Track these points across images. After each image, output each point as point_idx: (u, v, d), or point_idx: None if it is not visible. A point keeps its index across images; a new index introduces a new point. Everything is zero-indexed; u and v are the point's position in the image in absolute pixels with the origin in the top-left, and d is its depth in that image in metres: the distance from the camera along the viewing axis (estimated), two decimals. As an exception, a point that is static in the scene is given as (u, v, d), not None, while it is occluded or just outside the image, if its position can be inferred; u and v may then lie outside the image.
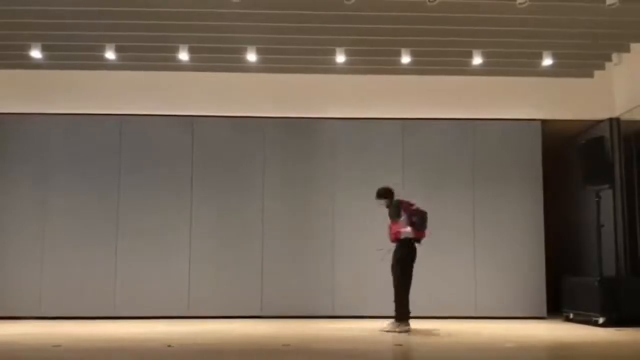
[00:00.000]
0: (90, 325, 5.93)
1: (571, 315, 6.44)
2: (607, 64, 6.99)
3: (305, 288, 6.85)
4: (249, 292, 6.84)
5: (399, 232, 5.49)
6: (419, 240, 5.52)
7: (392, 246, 5.50)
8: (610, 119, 7.03)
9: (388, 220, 5.59)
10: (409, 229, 5.44)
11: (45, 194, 6.91)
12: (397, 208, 5.54)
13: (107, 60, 6.67)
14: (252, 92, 7.11)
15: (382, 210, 5.68)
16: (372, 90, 7.14)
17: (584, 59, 6.89)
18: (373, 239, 6.89)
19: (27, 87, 7.04)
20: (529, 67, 6.94)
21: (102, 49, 6.49)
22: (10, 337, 4.94)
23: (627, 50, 6.64)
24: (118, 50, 6.51)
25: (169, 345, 4.42)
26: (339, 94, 7.13)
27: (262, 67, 6.92)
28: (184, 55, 6.53)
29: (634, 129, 6.75)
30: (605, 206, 6.63)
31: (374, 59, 6.82)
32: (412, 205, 5.52)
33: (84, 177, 6.94)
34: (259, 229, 6.94)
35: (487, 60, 6.66)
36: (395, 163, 7.05)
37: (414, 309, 6.86)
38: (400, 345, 4.61)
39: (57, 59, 6.81)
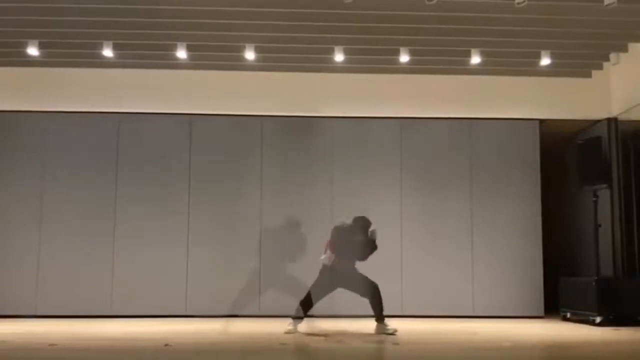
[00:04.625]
0: (87, 324, 5.91)
1: (568, 315, 6.45)
2: (605, 64, 7.00)
3: (304, 287, 6.83)
4: (247, 291, 6.81)
5: None
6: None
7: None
8: (608, 119, 7.05)
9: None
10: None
11: (42, 193, 6.89)
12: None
13: (104, 58, 6.65)
14: (250, 90, 7.09)
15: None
16: (370, 89, 7.13)
17: (582, 58, 6.90)
18: (371, 238, 6.88)
19: (24, 85, 7.01)
20: (527, 67, 6.95)
21: (99, 47, 6.47)
22: (6, 336, 4.92)
23: (625, 50, 6.64)
24: (116, 48, 6.49)
25: (167, 345, 4.41)
26: (337, 92, 7.12)
27: (260, 66, 6.91)
28: (182, 54, 6.52)
29: (632, 129, 6.76)
30: (602, 206, 6.65)
31: (372, 57, 6.81)
32: None
33: (81, 175, 6.92)
34: (257, 227, 6.93)
35: (485, 60, 6.67)
36: (393, 162, 7.04)
37: (412, 308, 6.88)
38: (398, 344, 4.61)
39: (55, 57, 6.79)
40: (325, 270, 5.34)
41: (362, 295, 5.30)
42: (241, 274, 6.87)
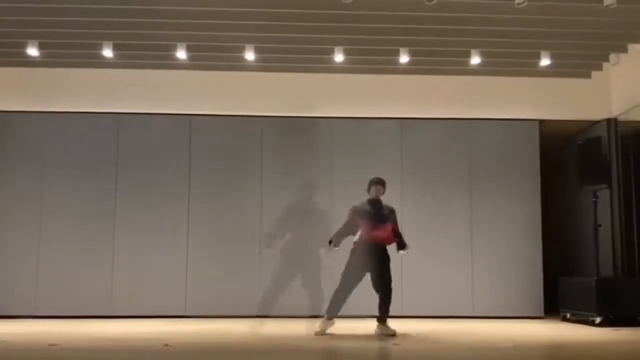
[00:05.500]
0: (87, 324, 5.91)
1: (568, 315, 6.45)
2: (605, 65, 7.00)
3: (304, 287, 6.85)
4: (247, 292, 6.82)
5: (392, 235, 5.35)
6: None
7: (368, 247, 5.21)
8: (608, 119, 7.05)
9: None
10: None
11: (42, 193, 6.88)
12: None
13: (104, 58, 6.65)
14: (249, 91, 7.10)
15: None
16: (370, 89, 7.13)
17: (581, 59, 6.90)
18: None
19: (24, 85, 7.00)
20: (527, 67, 6.95)
21: (99, 47, 6.47)
22: (6, 336, 4.92)
23: (625, 50, 6.64)
24: (116, 48, 6.49)
25: (166, 345, 4.41)
26: (337, 93, 7.12)
27: (260, 66, 6.91)
28: (181, 54, 6.52)
29: (632, 130, 6.77)
30: (602, 206, 6.65)
31: (372, 58, 6.81)
32: None
33: (81, 176, 6.92)
34: (257, 227, 6.93)
35: (485, 60, 6.67)
36: (393, 163, 7.04)
37: (412, 309, 6.87)
38: (398, 344, 4.61)
39: (54, 57, 6.79)
40: (355, 251, 5.25)
41: (377, 287, 5.20)
42: (241, 274, 6.88)
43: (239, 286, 6.84)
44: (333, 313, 5.19)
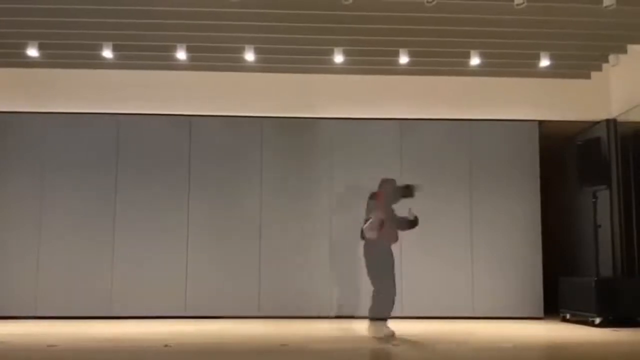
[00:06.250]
0: (87, 325, 5.91)
1: (568, 316, 6.45)
2: (604, 65, 7.01)
3: (304, 288, 6.85)
4: (247, 292, 6.83)
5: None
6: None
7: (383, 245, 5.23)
8: (607, 120, 7.06)
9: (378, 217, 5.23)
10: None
11: (42, 193, 6.89)
12: None
13: (104, 59, 6.66)
14: (249, 91, 7.10)
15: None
16: (370, 90, 7.14)
17: (581, 60, 6.91)
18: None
19: (24, 86, 7.01)
20: (526, 68, 6.96)
21: (99, 48, 6.47)
22: (5, 337, 4.92)
23: (624, 51, 6.65)
24: (115, 49, 6.49)
25: (166, 345, 4.41)
26: (336, 94, 7.13)
27: (259, 67, 6.91)
28: (181, 55, 6.52)
29: (631, 130, 6.78)
30: (601, 207, 6.66)
31: (372, 59, 6.81)
32: None
33: (81, 176, 6.92)
34: (257, 228, 6.93)
35: (484, 61, 6.67)
36: (393, 164, 7.03)
37: (412, 309, 6.87)
38: (398, 345, 4.62)
39: (54, 58, 6.79)
40: (386, 250, 5.21)
41: (373, 283, 5.18)
42: (241, 274, 6.88)
43: (239, 286, 6.84)
44: (383, 322, 5.11)
